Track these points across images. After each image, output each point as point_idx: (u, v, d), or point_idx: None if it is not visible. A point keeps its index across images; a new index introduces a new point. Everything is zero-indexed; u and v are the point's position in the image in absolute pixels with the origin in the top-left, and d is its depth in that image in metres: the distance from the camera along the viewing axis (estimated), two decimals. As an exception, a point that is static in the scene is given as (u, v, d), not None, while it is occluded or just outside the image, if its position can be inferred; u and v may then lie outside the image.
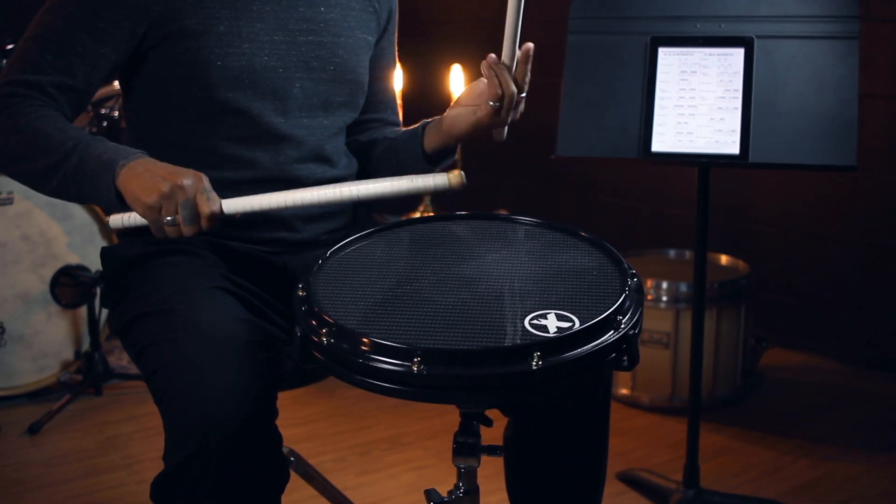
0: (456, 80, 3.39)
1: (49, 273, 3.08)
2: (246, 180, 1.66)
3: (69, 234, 3.10)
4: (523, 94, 1.58)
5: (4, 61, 2.97)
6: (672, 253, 3.39)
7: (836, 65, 2.11)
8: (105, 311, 3.06)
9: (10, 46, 3.03)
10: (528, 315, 1.27)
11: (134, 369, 3.04)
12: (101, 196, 1.45)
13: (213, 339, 1.38)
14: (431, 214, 1.67)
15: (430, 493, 1.45)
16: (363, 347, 1.23)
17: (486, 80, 1.58)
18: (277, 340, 1.52)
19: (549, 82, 2.25)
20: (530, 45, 1.57)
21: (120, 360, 3.30)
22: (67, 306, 3.12)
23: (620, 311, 1.28)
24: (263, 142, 1.66)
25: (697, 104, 2.17)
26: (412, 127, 1.80)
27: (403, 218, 1.78)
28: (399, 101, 3.34)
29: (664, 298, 3.01)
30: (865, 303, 3.36)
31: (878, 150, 3.23)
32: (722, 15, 2.20)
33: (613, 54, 2.26)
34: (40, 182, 1.51)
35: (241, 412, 1.30)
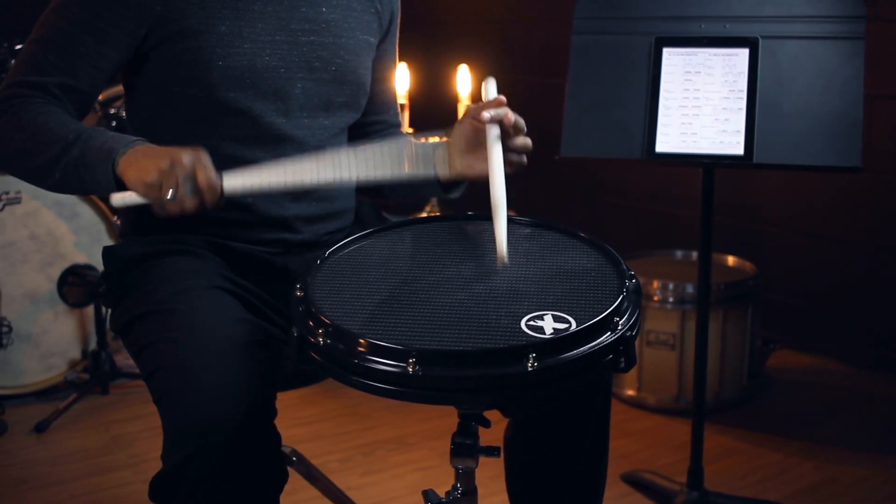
0: (463, 81, 3.39)
1: (56, 272, 3.10)
2: (247, 180, 1.66)
3: (76, 234, 3.12)
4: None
5: (12, 61, 2.98)
6: (679, 254, 3.38)
7: (841, 65, 2.10)
8: (112, 311, 3.07)
9: (18, 46, 3.04)
10: (524, 316, 1.27)
11: (140, 368, 3.05)
12: (102, 185, 1.46)
13: (212, 339, 1.38)
14: (431, 215, 1.67)
15: (427, 494, 1.45)
16: (359, 348, 1.23)
17: (474, 116, 1.56)
18: (277, 341, 1.52)
19: (557, 83, 2.25)
20: (500, 98, 1.55)
21: (127, 359, 3.31)
22: (75, 305, 3.13)
23: (618, 312, 1.28)
24: (264, 142, 1.66)
25: (702, 105, 2.16)
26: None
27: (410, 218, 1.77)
28: (406, 102, 3.36)
29: (670, 299, 3.01)
30: (873, 304, 3.35)
31: (887, 151, 3.21)
32: (727, 15, 2.19)
33: (618, 55, 2.25)
34: (44, 176, 1.52)
35: (239, 412, 1.30)
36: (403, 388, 1.21)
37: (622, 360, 1.27)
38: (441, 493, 1.46)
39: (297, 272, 1.62)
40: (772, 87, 2.12)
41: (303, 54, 1.68)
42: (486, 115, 1.51)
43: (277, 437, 1.41)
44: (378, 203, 2.02)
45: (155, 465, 1.35)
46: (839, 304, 3.44)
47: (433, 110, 4.14)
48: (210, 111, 1.63)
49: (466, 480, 1.45)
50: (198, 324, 1.41)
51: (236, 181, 1.44)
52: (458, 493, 1.44)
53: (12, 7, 1.59)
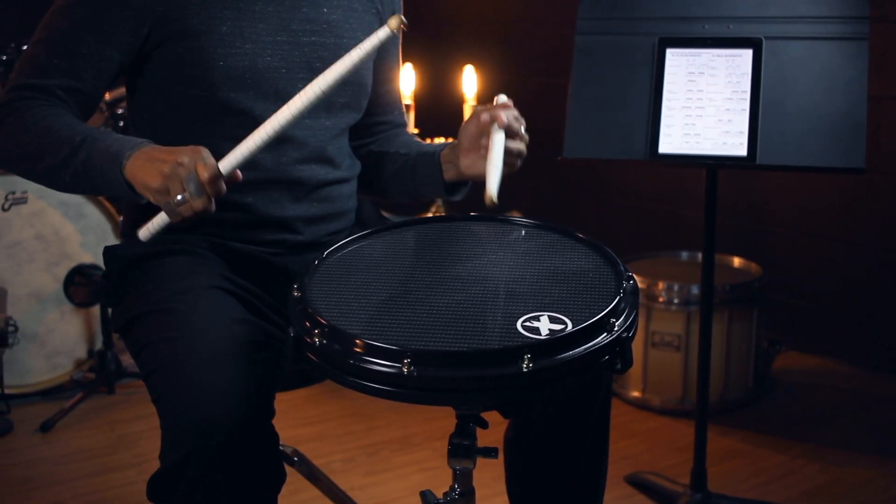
0: (468, 82, 3.39)
1: (62, 272, 3.11)
2: (248, 181, 1.65)
3: (83, 234, 3.13)
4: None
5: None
6: (685, 255, 3.37)
7: (845, 66, 2.09)
8: (117, 310, 3.08)
9: (25, 47, 3.05)
10: (521, 317, 1.27)
11: (146, 368, 3.06)
12: (114, 188, 1.46)
13: (210, 339, 1.39)
14: (430, 216, 1.68)
15: (425, 495, 1.45)
16: (354, 349, 1.23)
17: (478, 121, 1.58)
18: (277, 341, 1.52)
19: (563, 84, 2.25)
20: (505, 102, 1.61)
21: (132, 359, 3.32)
22: (81, 305, 3.14)
23: (614, 313, 1.27)
24: (265, 142, 1.66)
25: (705, 105, 2.16)
26: (424, 149, 1.80)
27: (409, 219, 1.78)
28: (411, 103, 3.36)
29: (675, 301, 3.00)
30: (880, 306, 3.33)
31: (895, 152, 3.20)
32: (730, 16, 2.19)
33: (621, 55, 2.24)
34: (54, 180, 1.53)
35: (237, 412, 1.31)
36: (399, 389, 1.21)
37: (618, 361, 1.27)
38: (442, 494, 1.46)
39: (297, 273, 1.62)
40: (775, 87, 2.12)
41: (304, 55, 1.68)
42: (486, 115, 1.56)
43: (275, 437, 1.41)
44: (380, 203, 2.02)
45: (159, 465, 1.36)
46: (846, 306, 3.43)
47: (439, 111, 4.14)
48: (211, 111, 1.63)
49: (464, 481, 1.45)
50: (196, 324, 1.41)
51: (230, 160, 1.43)
52: (456, 494, 1.44)
53: (19, 7, 1.59)
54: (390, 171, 1.85)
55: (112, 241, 3.15)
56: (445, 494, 1.45)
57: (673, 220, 3.90)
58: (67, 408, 2.98)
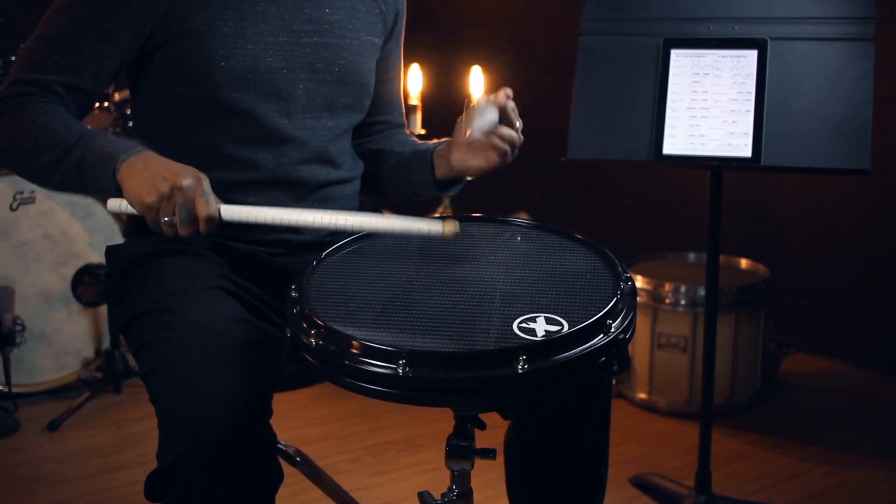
0: (476, 82, 3.38)
1: (70, 271, 3.12)
2: (249, 181, 1.66)
3: (90, 233, 3.14)
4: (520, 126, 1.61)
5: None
6: (691, 256, 3.36)
7: (850, 67, 2.08)
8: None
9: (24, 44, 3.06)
10: (517, 318, 1.27)
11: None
12: (103, 189, 1.47)
13: (208, 339, 1.39)
14: (429, 216, 1.68)
15: (423, 495, 1.44)
16: (350, 349, 1.23)
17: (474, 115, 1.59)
18: (276, 341, 1.52)
19: (570, 84, 2.24)
20: (507, 90, 1.62)
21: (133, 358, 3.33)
22: (88, 305, 3.15)
23: (611, 315, 1.27)
24: (267, 143, 1.67)
25: (710, 106, 2.15)
26: (419, 148, 1.81)
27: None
28: (418, 103, 3.36)
29: (682, 302, 2.99)
30: (888, 308, 3.31)
31: (903, 153, 3.18)
32: (735, 16, 2.18)
33: (626, 56, 2.24)
34: (45, 177, 1.52)
35: (233, 412, 1.31)
36: (394, 390, 1.21)
37: (615, 363, 1.26)
38: (440, 495, 1.46)
39: (297, 273, 1.62)
40: (780, 88, 2.11)
41: (305, 55, 1.68)
42: (482, 99, 1.59)
43: (272, 437, 1.41)
44: (388, 204, 2.03)
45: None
46: (854, 308, 3.41)
47: (446, 111, 4.13)
48: (213, 112, 1.63)
49: (462, 482, 1.45)
50: (194, 323, 1.42)
51: (234, 214, 1.43)
52: (454, 495, 1.44)
53: (28, 7, 1.60)
54: (385, 169, 1.86)
55: (119, 240, 3.14)
56: (443, 495, 1.45)
57: (680, 222, 3.89)
58: (74, 407, 2.99)
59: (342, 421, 3.00)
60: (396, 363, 1.19)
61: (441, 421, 2.94)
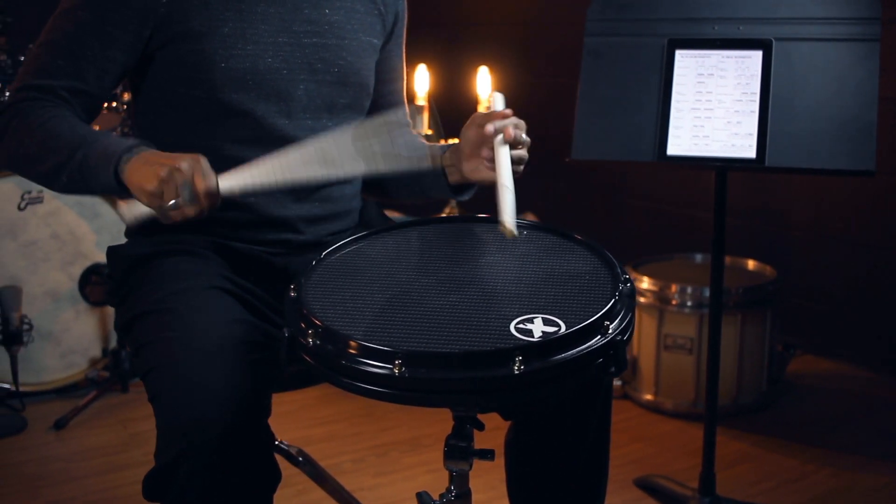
0: (483, 82, 3.38)
1: (78, 271, 3.13)
2: (250, 181, 1.67)
3: (98, 233, 3.15)
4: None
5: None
6: (699, 257, 3.35)
7: (855, 67, 2.07)
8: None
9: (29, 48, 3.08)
10: (514, 319, 1.26)
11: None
12: (107, 189, 1.48)
13: (205, 339, 1.39)
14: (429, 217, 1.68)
15: (421, 496, 1.44)
16: (347, 349, 1.23)
17: (480, 124, 1.57)
18: (275, 341, 1.52)
19: (577, 85, 2.24)
20: (507, 111, 1.59)
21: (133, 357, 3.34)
22: (96, 304, 3.17)
23: (608, 316, 1.27)
24: (267, 143, 1.66)
25: (714, 107, 2.15)
26: (428, 152, 1.80)
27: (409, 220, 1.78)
28: (426, 104, 3.36)
29: (688, 303, 2.98)
30: (898, 310, 3.30)
31: (911, 154, 3.16)
32: (740, 17, 2.17)
33: (630, 56, 2.23)
34: (52, 180, 1.54)
35: (229, 412, 1.31)
36: (390, 390, 1.21)
37: (612, 364, 1.26)
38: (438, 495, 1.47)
39: (298, 273, 1.62)
40: (785, 89, 2.10)
41: (305, 56, 1.69)
42: (490, 127, 1.53)
43: (270, 436, 1.42)
44: (386, 204, 2.02)
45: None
46: (862, 310, 3.40)
47: (453, 112, 4.14)
48: (213, 112, 1.64)
49: (461, 483, 1.45)
50: (192, 324, 1.42)
51: (232, 182, 1.44)
52: (452, 496, 1.44)
53: (38, 9, 1.62)
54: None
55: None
56: (442, 496, 1.45)
57: (688, 223, 3.88)
58: (81, 406, 3.00)
59: (347, 421, 3.01)
60: (393, 363, 1.19)
61: (447, 421, 2.92)
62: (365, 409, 3.07)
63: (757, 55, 2.13)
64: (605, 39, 2.27)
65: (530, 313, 1.28)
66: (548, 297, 1.32)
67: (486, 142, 1.56)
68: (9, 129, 1.56)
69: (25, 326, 2.98)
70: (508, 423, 1.70)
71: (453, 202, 3.53)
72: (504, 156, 1.50)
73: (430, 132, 3.38)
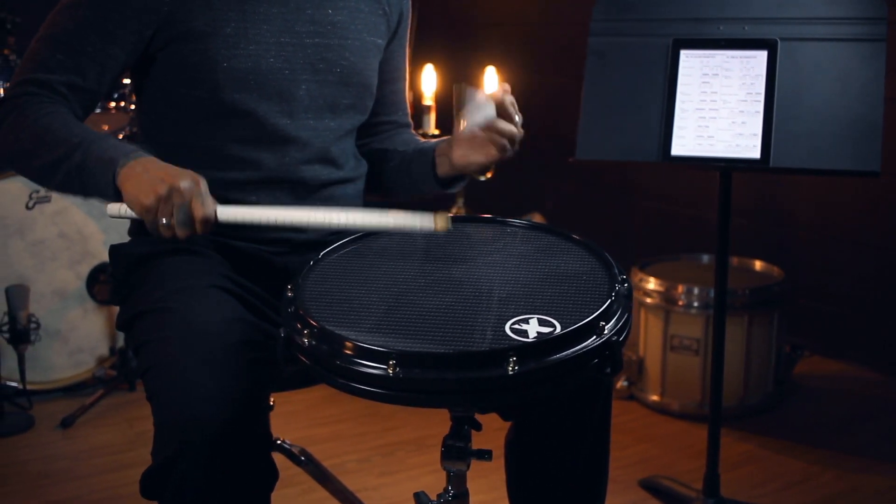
0: (490, 82, 3.38)
1: (85, 270, 3.14)
2: (251, 181, 1.67)
3: (106, 232, 3.16)
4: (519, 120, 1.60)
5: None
6: (706, 258, 3.34)
7: (861, 68, 2.06)
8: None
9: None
10: (510, 319, 1.26)
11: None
12: (102, 193, 1.48)
13: (203, 338, 1.39)
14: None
15: (419, 496, 1.44)
16: (341, 350, 1.23)
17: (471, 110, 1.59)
18: (275, 341, 1.52)
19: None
20: (504, 85, 1.61)
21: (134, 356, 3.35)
22: (103, 303, 3.17)
23: (604, 316, 1.27)
24: (269, 143, 1.67)
25: (719, 107, 2.14)
26: (422, 146, 1.82)
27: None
28: (432, 104, 3.36)
29: (695, 304, 2.98)
30: (906, 311, 3.28)
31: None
32: (745, 17, 2.16)
33: (635, 57, 2.23)
34: (46, 177, 1.54)
35: (225, 410, 1.31)
36: (385, 391, 1.21)
37: (608, 365, 1.26)
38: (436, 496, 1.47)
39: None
40: (790, 89, 2.09)
41: (308, 56, 1.69)
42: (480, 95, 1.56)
43: (268, 435, 1.42)
44: (387, 204, 2.02)
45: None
46: (870, 310, 3.38)
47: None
48: (215, 112, 1.64)
49: (458, 483, 1.45)
50: (191, 323, 1.42)
51: (230, 214, 1.44)
52: (450, 497, 1.44)
53: (46, 6, 1.63)
54: (389, 168, 1.86)
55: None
56: (439, 496, 1.45)
57: (696, 223, 3.87)
58: (88, 404, 3.01)
59: (353, 420, 3.01)
60: (387, 364, 1.19)
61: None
62: (370, 408, 3.07)
63: (762, 55, 2.12)
64: (609, 39, 2.26)
65: (526, 314, 1.28)
66: (544, 297, 1.32)
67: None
68: (4, 124, 1.56)
69: (32, 325, 2.99)
70: (509, 423, 1.70)
71: (460, 202, 3.53)
72: (487, 107, 1.53)
73: (437, 132, 3.38)
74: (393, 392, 1.20)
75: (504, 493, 1.76)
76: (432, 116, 3.36)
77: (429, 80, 3.37)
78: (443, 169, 1.73)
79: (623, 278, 1.36)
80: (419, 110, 3.38)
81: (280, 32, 1.66)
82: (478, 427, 1.43)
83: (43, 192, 3.04)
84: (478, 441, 1.44)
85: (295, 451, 2.06)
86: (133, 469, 2.67)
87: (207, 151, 1.65)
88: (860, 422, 3.00)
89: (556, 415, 1.59)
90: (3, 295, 2.94)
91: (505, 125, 1.58)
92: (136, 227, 1.77)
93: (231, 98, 1.63)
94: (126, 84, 3.21)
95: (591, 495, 1.68)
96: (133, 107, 3.36)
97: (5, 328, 2.93)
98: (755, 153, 2.09)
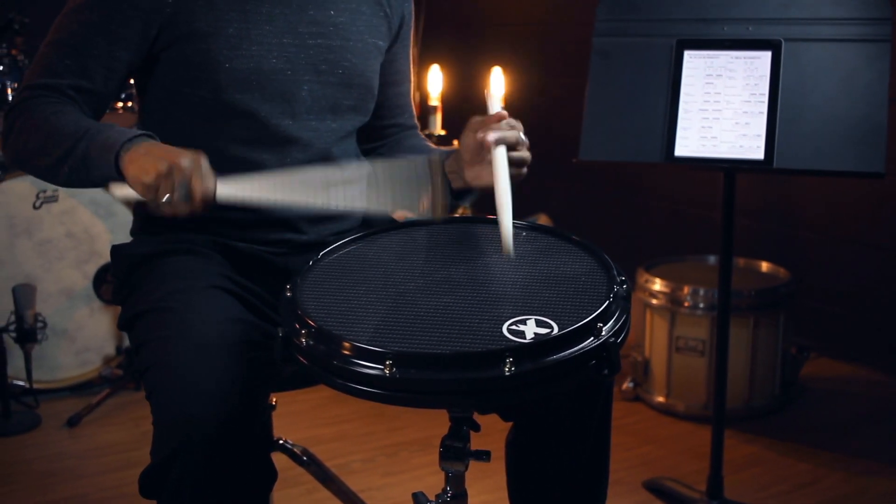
0: (496, 83, 3.38)
1: (92, 269, 3.16)
2: (253, 181, 1.67)
3: (113, 232, 3.17)
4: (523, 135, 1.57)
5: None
6: (712, 259, 3.33)
7: (865, 68, 2.05)
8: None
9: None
10: (507, 320, 1.26)
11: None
12: (107, 178, 1.48)
13: (202, 338, 1.40)
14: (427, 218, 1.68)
15: (417, 497, 1.45)
16: (339, 350, 1.23)
17: (476, 131, 1.57)
18: (274, 340, 1.53)
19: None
20: (502, 113, 1.58)
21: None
22: (110, 302, 3.18)
23: (602, 318, 1.26)
24: (270, 144, 1.68)
25: (722, 108, 2.13)
26: (431, 157, 1.80)
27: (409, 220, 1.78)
28: (438, 104, 3.36)
29: (700, 305, 2.97)
30: (914, 313, 3.27)
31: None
32: (750, 17, 2.16)
33: (639, 57, 2.23)
34: (55, 173, 1.55)
35: (222, 410, 1.32)
36: (381, 391, 1.21)
37: (605, 366, 1.25)
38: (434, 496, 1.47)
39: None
40: (794, 90, 2.09)
41: (309, 57, 1.69)
42: (491, 137, 1.52)
43: (266, 435, 1.43)
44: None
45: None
46: (878, 312, 3.37)
47: (466, 112, 4.14)
48: (217, 112, 1.64)
49: (456, 484, 1.44)
50: (190, 322, 1.43)
51: (230, 190, 1.44)
52: (448, 497, 1.44)
53: (52, 8, 1.64)
54: None
55: (139, 239, 3.19)
56: (437, 496, 1.45)
57: (703, 224, 3.85)
58: (94, 403, 3.03)
59: (359, 420, 3.01)
60: (383, 364, 1.19)
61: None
62: (376, 408, 3.07)
63: (766, 56, 2.12)
64: (613, 40, 2.26)
65: (524, 315, 1.27)
66: (542, 298, 1.32)
67: (485, 149, 1.55)
68: (14, 128, 1.57)
69: (39, 324, 3.00)
70: (509, 424, 1.70)
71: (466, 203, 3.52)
72: (502, 166, 1.50)
73: (443, 132, 3.38)
74: (389, 392, 1.21)
75: (503, 495, 1.76)
76: (438, 117, 3.36)
77: (435, 81, 3.37)
78: (456, 185, 1.71)
79: (622, 280, 1.36)
80: (425, 111, 3.38)
81: (282, 33, 1.67)
82: (476, 428, 1.43)
83: (50, 191, 3.05)
84: (479, 442, 1.44)
85: (297, 451, 2.06)
86: (139, 468, 2.60)
87: (209, 152, 1.63)
88: (868, 424, 2.99)
89: (556, 416, 1.59)
90: (11, 294, 2.95)
91: (515, 154, 1.55)
92: (139, 226, 1.78)
93: (233, 98, 1.63)
94: (132, 84, 3.22)
95: (591, 496, 1.68)
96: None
97: (12, 327, 2.94)
98: (759, 154, 2.08)
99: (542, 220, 3.84)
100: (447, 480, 1.44)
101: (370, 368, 1.20)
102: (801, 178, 3.47)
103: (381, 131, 1.91)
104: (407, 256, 1.47)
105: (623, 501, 2.51)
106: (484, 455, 1.42)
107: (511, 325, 1.25)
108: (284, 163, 1.69)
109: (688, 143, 2.14)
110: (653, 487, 2.56)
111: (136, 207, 1.81)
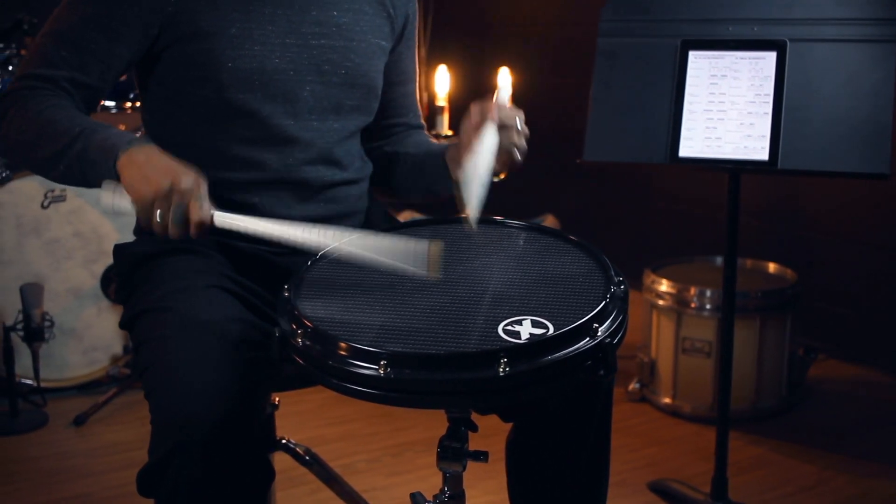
0: (504, 83, 3.37)
1: (100, 269, 3.17)
2: (254, 181, 1.68)
3: (120, 231, 3.18)
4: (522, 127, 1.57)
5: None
6: (719, 260, 3.32)
7: (871, 69, 2.05)
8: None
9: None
10: (503, 321, 1.26)
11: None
12: (104, 178, 1.48)
13: (201, 337, 1.40)
14: (424, 217, 1.68)
15: (415, 497, 1.45)
16: (334, 350, 1.23)
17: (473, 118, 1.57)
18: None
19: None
20: (503, 90, 1.58)
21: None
22: (117, 302, 3.20)
23: (598, 318, 1.26)
24: (273, 143, 1.68)
25: (727, 109, 2.13)
26: (432, 149, 1.81)
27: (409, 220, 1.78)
28: (445, 104, 3.36)
29: (707, 306, 2.96)
30: (923, 315, 3.25)
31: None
32: (755, 18, 2.15)
33: (643, 58, 2.22)
34: (49, 168, 1.54)
35: (220, 410, 1.32)
36: (376, 391, 1.21)
37: (601, 367, 1.25)
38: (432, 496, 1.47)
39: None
40: (799, 91, 2.08)
41: (312, 57, 1.69)
42: (486, 114, 1.54)
43: (265, 435, 1.43)
44: (393, 203, 2.03)
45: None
46: (886, 313, 3.35)
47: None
48: (220, 112, 1.64)
49: (454, 484, 1.45)
50: (189, 322, 1.43)
51: (226, 221, 1.43)
52: (446, 497, 1.44)
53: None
54: (400, 171, 1.86)
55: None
56: (435, 497, 1.45)
57: (710, 225, 3.84)
58: (101, 402, 3.04)
59: (364, 420, 3.01)
60: (378, 364, 1.19)
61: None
62: (381, 408, 3.06)
63: (771, 56, 2.11)
64: (618, 40, 2.26)
65: (520, 315, 1.27)
66: (539, 298, 1.32)
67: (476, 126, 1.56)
68: (7, 116, 1.56)
69: (47, 323, 3.01)
70: (510, 424, 1.70)
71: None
72: (486, 141, 1.50)
73: (450, 133, 3.38)
74: (384, 392, 1.21)
75: (504, 496, 1.76)
76: (445, 117, 3.36)
77: (442, 81, 3.36)
78: (455, 174, 1.72)
79: (619, 280, 1.36)
80: (433, 111, 3.38)
81: (285, 33, 1.67)
82: (474, 428, 1.43)
83: (58, 191, 3.07)
84: (480, 443, 1.44)
85: (300, 450, 2.06)
86: (144, 467, 2.69)
87: (211, 151, 1.66)
88: (874, 426, 2.98)
89: (556, 416, 1.58)
90: (19, 293, 2.96)
91: (506, 138, 1.55)
92: (140, 226, 1.78)
93: (235, 98, 1.63)
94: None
95: (591, 497, 1.67)
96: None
97: (20, 326, 2.96)
98: (763, 155, 2.08)
99: (549, 220, 3.83)
100: (445, 480, 1.45)
101: (365, 369, 1.20)
102: (807, 179, 3.46)
103: (386, 130, 1.92)
104: (405, 257, 1.47)
105: (628, 503, 2.50)
106: (482, 455, 1.42)
107: (507, 325, 1.25)
108: (286, 163, 1.69)
109: (692, 144, 2.13)
110: (657, 489, 2.56)
111: None
